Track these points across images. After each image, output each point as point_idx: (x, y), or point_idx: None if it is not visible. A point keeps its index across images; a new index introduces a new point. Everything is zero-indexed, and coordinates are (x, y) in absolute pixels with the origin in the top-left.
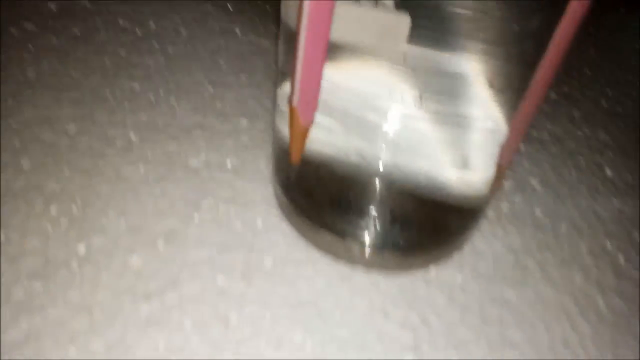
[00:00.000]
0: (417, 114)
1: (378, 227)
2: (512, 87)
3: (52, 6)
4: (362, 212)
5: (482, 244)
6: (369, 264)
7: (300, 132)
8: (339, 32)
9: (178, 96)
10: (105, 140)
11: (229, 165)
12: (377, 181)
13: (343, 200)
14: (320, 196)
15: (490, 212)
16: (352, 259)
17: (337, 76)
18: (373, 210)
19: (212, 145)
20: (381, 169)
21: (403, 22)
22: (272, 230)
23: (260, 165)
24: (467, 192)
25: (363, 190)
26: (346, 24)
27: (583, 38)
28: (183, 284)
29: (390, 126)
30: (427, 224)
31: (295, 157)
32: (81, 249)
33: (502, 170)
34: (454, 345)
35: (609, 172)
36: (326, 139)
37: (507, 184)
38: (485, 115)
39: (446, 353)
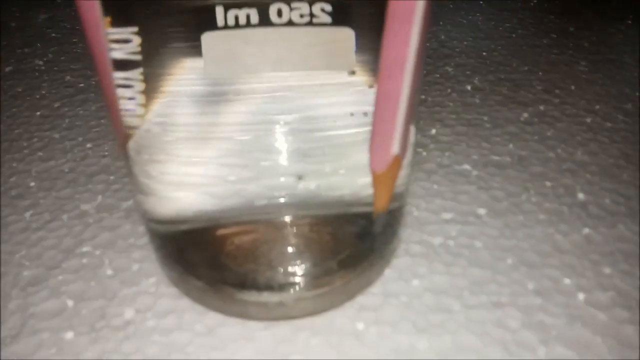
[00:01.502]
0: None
1: (256, 269)
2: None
3: (7, 68)
4: (236, 255)
5: (396, 284)
6: (245, 314)
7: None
8: (277, 62)
9: (95, 142)
10: (3, 189)
11: (122, 208)
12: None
13: (215, 241)
14: (191, 240)
15: (415, 247)
16: (226, 308)
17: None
18: (247, 253)
19: (111, 189)
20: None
21: (347, 35)
22: (145, 278)
23: None
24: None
25: (239, 230)
26: (290, 50)
27: (574, 51)
28: (20, 340)
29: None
30: (314, 258)
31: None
32: None
33: (381, 179)
34: None
35: (581, 196)
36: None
37: (446, 215)
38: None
39: None
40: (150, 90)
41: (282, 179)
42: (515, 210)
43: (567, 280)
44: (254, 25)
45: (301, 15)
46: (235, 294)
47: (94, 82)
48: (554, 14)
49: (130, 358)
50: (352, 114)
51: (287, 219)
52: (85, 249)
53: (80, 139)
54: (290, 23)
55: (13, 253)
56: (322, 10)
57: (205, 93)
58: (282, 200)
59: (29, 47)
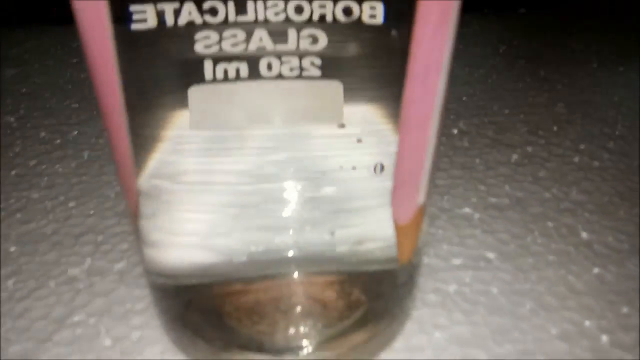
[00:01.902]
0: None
1: (269, 332)
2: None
3: None
4: (247, 316)
5: (419, 337)
6: None
7: (132, 215)
8: (266, 115)
9: (79, 200)
10: None
11: (114, 270)
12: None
13: (225, 303)
14: (200, 302)
15: (431, 296)
16: None
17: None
18: (259, 313)
19: (101, 250)
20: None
21: (335, 87)
22: (148, 346)
23: None
24: (377, 266)
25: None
26: (276, 101)
27: (550, 94)
28: None
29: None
30: (332, 316)
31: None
32: None
33: (405, 230)
34: None
35: (584, 235)
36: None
37: (456, 261)
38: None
39: None
40: (144, 142)
41: (291, 232)
42: (524, 253)
43: (587, 323)
44: (243, 79)
45: (291, 69)
46: (249, 358)
47: (71, 138)
48: (523, 59)
49: None
50: (354, 168)
51: (298, 275)
52: (77, 317)
53: (61, 197)
54: (280, 76)
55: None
56: (312, 64)
57: (205, 141)
58: (290, 254)
59: None
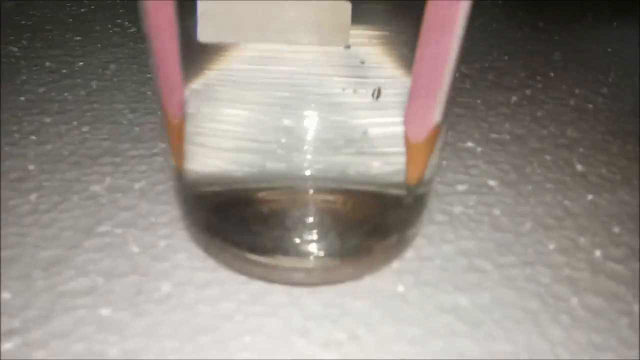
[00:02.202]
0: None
1: (295, 238)
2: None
3: None
4: (274, 223)
5: (429, 249)
6: (290, 281)
7: (173, 129)
8: (272, 32)
9: (93, 126)
10: None
11: (136, 188)
12: (285, 187)
13: (250, 212)
14: (225, 210)
15: (438, 216)
16: (269, 276)
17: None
18: (287, 220)
19: (120, 171)
20: (290, 172)
21: (344, 8)
22: (176, 253)
23: (173, 186)
24: (388, 183)
25: (272, 199)
26: (285, 18)
27: (547, 44)
28: (54, 319)
29: (312, 122)
30: (353, 228)
31: (177, 162)
32: None
33: (418, 149)
34: None
35: (580, 167)
36: (230, 150)
37: (461, 187)
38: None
39: None
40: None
41: (306, 152)
42: (524, 181)
43: (582, 239)
44: None
45: None
46: (272, 260)
47: (77, 68)
48: (522, 11)
49: (179, 329)
50: (355, 91)
51: (315, 190)
52: (104, 228)
53: (74, 122)
54: None
55: (24, 235)
56: None
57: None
58: (307, 172)
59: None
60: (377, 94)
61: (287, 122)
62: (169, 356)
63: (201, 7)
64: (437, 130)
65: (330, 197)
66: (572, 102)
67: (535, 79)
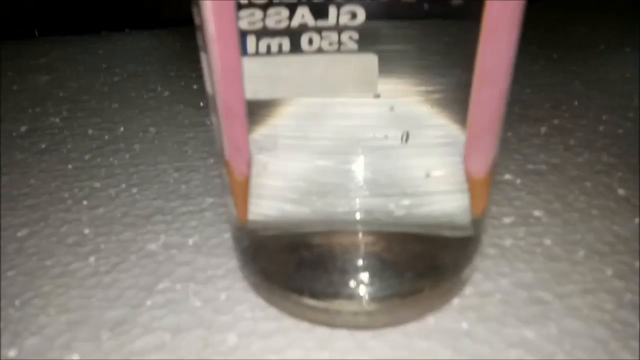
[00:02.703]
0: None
1: (357, 281)
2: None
3: (22, 127)
4: (336, 268)
5: (487, 284)
6: (353, 325)
7: (239, 185)
8: (309, 86)
9: (140, 187)
10: (55, 239)
11: (190, 243)
12: (347, 231)
13: (312, 258)
14: (287, 258)
15: (490, 250)
16: (332, 321)
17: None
18: (349, 264)
19: (173, 228)
20: (352, 216)
21: (371, 60)
22: (237, 305)
23: (225, 240)
24: (450, 220)
25: (333, 244)
26: (313, 76)
27: (565, 74)
28: None
29: (363, 167)
30: (413, 267)
31: (241, 215)
32: (11, 353)
33: (481, 184)
34: None
35: (621, 191)
36: (285, 197)
37: (507, 220)
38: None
39: None
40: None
41: (354, 198)
42: (569, 209)
43: (637, 263)
44: (286, 53)
45: (330, 44)
46: (334, 305)
47: (119, 134)
48: (534, 44)
49: None
50: (385, 137)
51: (366, 233)
52: (164, 285)
53: (123, 185)
54: (319, 50)
55: (89, 297)
56: (350, 38)
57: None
58: (357, 217)
59: (40, 106)
60: (406, 137)
61: (340, 168)
62: None
63: (245, 64)
64: (495, 163)
65: (380, 240)
66: (601, 129)
67: (560, 109)
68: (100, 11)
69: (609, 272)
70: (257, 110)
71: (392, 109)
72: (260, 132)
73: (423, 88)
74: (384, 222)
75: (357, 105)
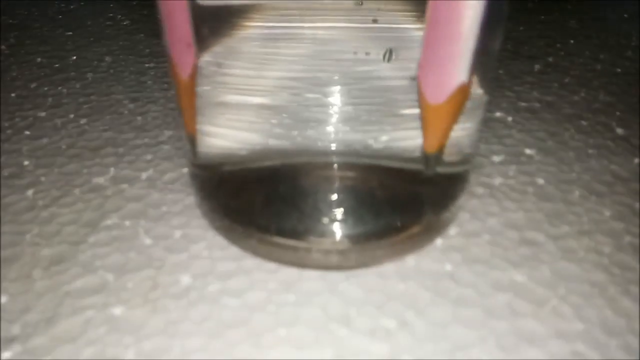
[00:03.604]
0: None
1: (328, 217)
2: None
3: None
4: (306, 203)
5: (473, 224)
6: (323, 264)
7: (184, 87)
8: None
9: (90, 117)
10: None
11: (143, 178)
12: (319, 162)
13: (279, 192)
14: (251, 193)
15: (479, 189)
16: (300, 261)
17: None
18: (320, 198)
19: (124, 161)
20: (326, 146)
21: None
22: (193, 243)
23: (183, 175)
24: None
25: (303, 176)
26: None
27: (561, 12)
28: (59, 322)
29: (340, 95)
30: (391, 203)
31: (189, 127)
32: None
33: (437, 112)
34: (448, 351)
35: (620, 131)
36: (251, 124)
37: (497, 158)
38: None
39: None
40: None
41: (326, 125)
42: (564, 148)
43: (637, 205)
44: None
45: None
46: (303, 243)
47: (71, 62)
48: None
49: (203, 325)
50: (367, 54)
51: (340, 166)
52: (111, 221)
53: (71, 115)
54: None
55: (22, 233)
56: None
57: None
58: (332, 147)
59: None
60: (389, 56)
61: (308, 95)
62: (194, 355)
63: None
64: (463, 93)
65: (356, 174)
66: (598, 67)
67: (555, 47)
68: None
69: (607, 213)
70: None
71: (375, 20)
72: (218, 49)
73: None
74: (360, 153)
75: (336, 17)
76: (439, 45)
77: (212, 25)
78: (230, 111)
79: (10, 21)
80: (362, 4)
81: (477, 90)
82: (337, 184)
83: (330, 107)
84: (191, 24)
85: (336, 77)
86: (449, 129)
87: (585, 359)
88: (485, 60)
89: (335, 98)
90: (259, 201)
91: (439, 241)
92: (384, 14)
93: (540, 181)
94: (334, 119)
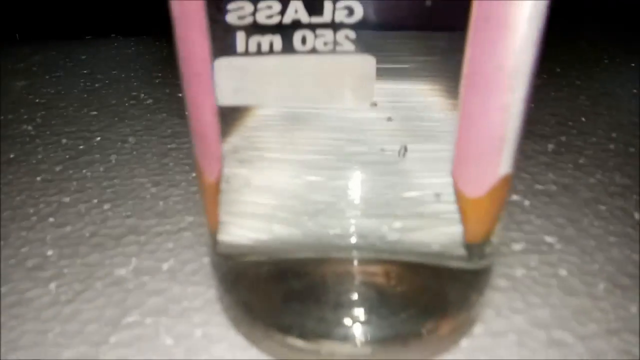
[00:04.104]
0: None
1: (353, 319)
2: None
3: None
4: (325, 301)
5: (498, 322)
6: None
7: (210, 189)
8: (302, 88)
9: (113, 202)
10: (14, 262)
11: (164, 269)
12: (339, 258)
13: (300, 289)
14: (271, 288)
15: (500, 282)
16: None
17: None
18: (340, 297)
19: (146, 250)
20: (346, 240)
21: (369, 62)
22: (214, 344)
23: (204, 265)
24: (444, 248)
25: (324, 273)
26: (306, 77)
27: (570, 88)
28: None
29: (360, 186)
30: (415, 303)
31: (212, 224)
32: None
33: (477, 205)
34: None
35: (637, 215)
36: (271, 221)
37: (517, 246)
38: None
39: None
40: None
41: (346, 218)
42: (585, 235)
43: None
44: (277, 53)
45: (325, 43)
46: (325, 347)
47: (95, 144)
48: None
49: None
50: (382, 150)
51: (360, 261)
52: (132, 318)
53: (95, 200)
54: (313, 51)
55: (44, 332)
56: (347, 37)
57: (283, 117)
58: (352, 241)
59: (12, 113)
60: (404, 152)
61: (330, 184)
62: None
63: (218, 67)
64: (506, 181)
65: (380, 270)
66: (612, 147)
67: (567, 125)
68: (85, 16)
69: (634, 309)
70: (231, 115)
71: (389, 119)
72: (235, 142)
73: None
74: (379, 248)
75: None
76: (478, 138)
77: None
78: (252, 202)
79: (37, 100)
80: (376, 105)
81: None
82: (357, 282)
83: (349, 198)
84: (220, 136)
85: (355, 168)
86: (493, 218)
87: None
88: None
89: (353, 189)
90: (279, 297)
91: (464, 342)
92: (398, 112)
93: (564, 272)
94: (353, 211)
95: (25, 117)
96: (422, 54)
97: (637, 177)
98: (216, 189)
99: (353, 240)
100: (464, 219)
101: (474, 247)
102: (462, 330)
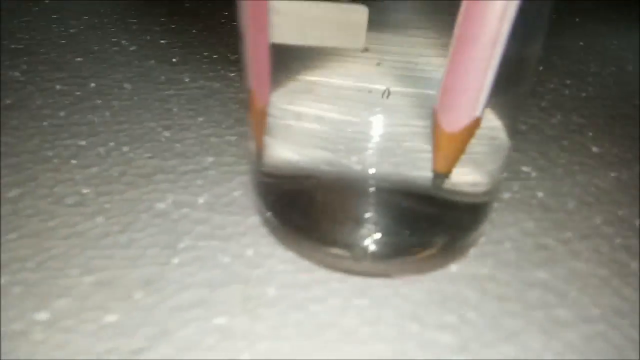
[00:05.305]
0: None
1: (386, 234)
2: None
3: None
4: (364, 221)
5: (496, 233)
6: (385, 273)
7: (259, 113)
8: (296, 34)
9: (132, 145)
10: (52, 199)
11: (201, 202)
12: (374, 186)
13: (341, 211)
14: (317, 211)
15: (494, 203)
16: (365, 271)
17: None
18: (376, 217)
19: (178, 186)
20: (373, 173)
21: (361, 12)
22: (267, 259)
23: (236, 198)
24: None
25: (361, 198)
26: (302, 23)
27: None
28: (175, 332)
29: (378, 128)
30: (436, 222)
31: (259, 143)
32: (42, 315)
33: (453, 139)
34: (504, 338)
35: (595, 149)
36: (309, 149)
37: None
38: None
39: (499, 348)
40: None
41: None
42: (554, 165)
43: (620, 212)
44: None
45: None
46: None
47: (91, 90)
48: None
49: (301, 328)
50: (370, 91)
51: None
52: (185, 243)
53: (111, 144)
54: None
55: (109, 257)
56: None
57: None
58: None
59: None
60: (387, 94)
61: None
62: (301, 355)
63: (273, 7)
64: (476, 124)
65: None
66: (567, 92)
67: None
68: None
69: (598, 220)
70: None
71: (378, 64)
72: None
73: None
74: (395, 181)
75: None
76: (461, 84)
77: (286, 64)
78: (295, 130)
79: (13, 46)
80: (367, 50)
81: (502, 137)
82: (387, 204)
83: (370, 135)
84: (270, 62)
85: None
86: (460, 153)
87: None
88: (512, 113)
89: (376, 126)
90: (315, 214)
91: (472, 250)
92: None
93: (540, 194)
94: (374, 146)
95: (8, 62)
96: (416, 7)
97: (590, 117)
98: (264, 113)
99: (369, 171)
100: (437, 149)
101: (439, 177)
102: (472, 241)
